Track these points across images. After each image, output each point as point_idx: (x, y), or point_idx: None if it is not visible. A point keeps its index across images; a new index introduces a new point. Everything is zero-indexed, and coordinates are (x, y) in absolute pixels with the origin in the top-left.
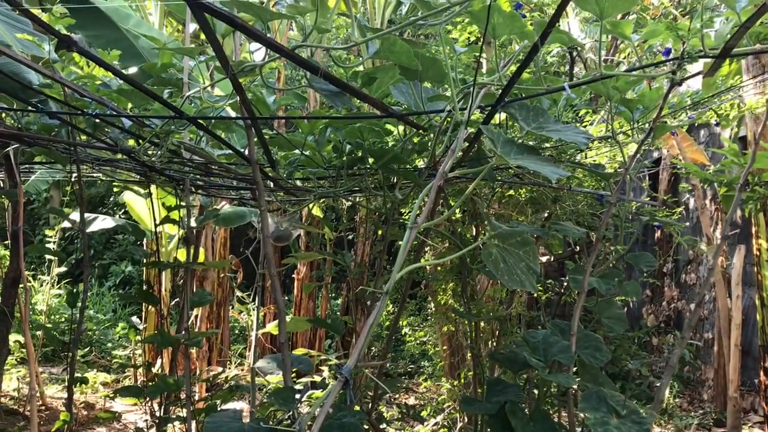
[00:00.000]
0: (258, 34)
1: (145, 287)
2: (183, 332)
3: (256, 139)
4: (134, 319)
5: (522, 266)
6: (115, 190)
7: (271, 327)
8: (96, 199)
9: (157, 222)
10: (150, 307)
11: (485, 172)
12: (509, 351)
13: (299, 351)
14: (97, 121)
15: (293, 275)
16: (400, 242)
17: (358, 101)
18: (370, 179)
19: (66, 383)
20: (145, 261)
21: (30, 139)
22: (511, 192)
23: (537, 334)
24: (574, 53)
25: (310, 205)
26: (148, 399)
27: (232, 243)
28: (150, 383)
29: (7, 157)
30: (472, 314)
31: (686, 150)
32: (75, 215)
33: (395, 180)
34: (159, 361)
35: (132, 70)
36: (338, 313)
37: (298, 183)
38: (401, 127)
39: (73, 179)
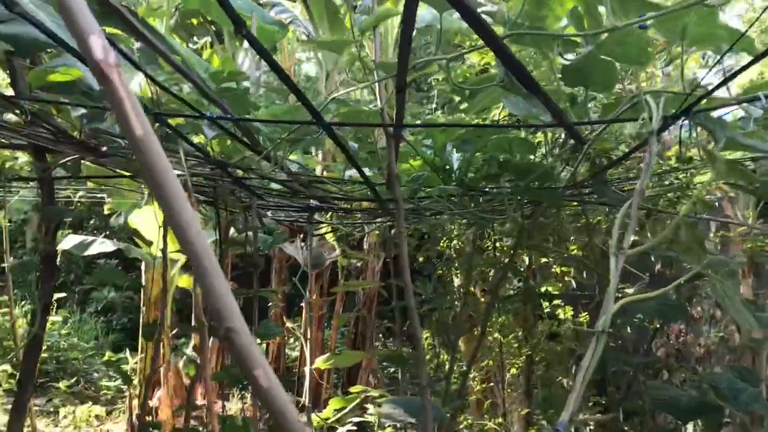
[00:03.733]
0: (486, 26)
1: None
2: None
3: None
4: (190, 352)
5: (737, 299)
6: (107, 211)
7: (320, 362)
8: (76, 221)
9: (223, 245)
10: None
11: None
12: (670, 396)
13: (357, 388)
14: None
15: (301, 303)
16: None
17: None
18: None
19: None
20: (144, 287)
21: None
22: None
23: (720, 378)
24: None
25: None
26: None
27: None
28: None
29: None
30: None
31: None
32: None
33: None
34: (157, 393)
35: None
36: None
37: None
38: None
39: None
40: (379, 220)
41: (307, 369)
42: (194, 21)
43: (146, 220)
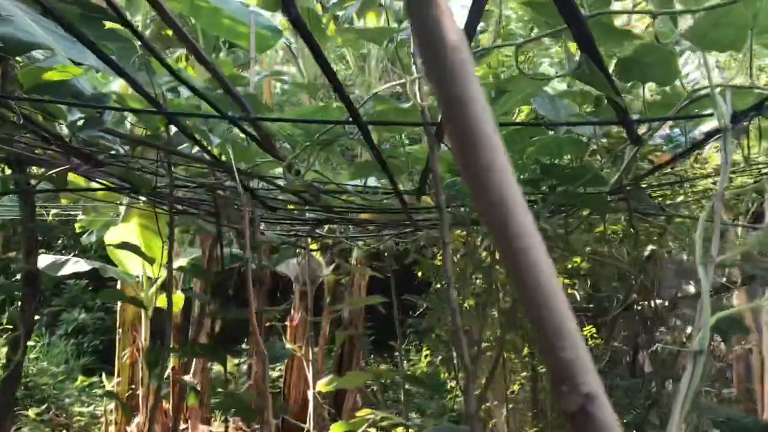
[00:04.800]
0: (572, 3)
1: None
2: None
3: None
4: (188, 378)
5: None
6: (78, 229)
7: (322, 385)
8: (44, 240)
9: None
10: (125, 359)
11: None
12: (731, 419)
13: (364, 412)
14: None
15: (286, 322)
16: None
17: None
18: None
19: None
20: (120, 306)
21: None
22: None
23: None
24: None
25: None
26: None
27: None
28: None
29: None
30: None
31: None
32: (41, 259)
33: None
34: (136, 419)
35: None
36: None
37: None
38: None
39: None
40: (384, 232)
41: (310, 393)
42: (170, 32)
43: (120, 236)
